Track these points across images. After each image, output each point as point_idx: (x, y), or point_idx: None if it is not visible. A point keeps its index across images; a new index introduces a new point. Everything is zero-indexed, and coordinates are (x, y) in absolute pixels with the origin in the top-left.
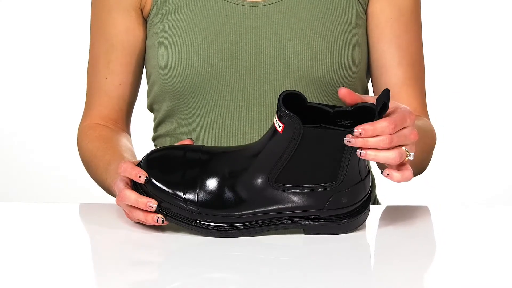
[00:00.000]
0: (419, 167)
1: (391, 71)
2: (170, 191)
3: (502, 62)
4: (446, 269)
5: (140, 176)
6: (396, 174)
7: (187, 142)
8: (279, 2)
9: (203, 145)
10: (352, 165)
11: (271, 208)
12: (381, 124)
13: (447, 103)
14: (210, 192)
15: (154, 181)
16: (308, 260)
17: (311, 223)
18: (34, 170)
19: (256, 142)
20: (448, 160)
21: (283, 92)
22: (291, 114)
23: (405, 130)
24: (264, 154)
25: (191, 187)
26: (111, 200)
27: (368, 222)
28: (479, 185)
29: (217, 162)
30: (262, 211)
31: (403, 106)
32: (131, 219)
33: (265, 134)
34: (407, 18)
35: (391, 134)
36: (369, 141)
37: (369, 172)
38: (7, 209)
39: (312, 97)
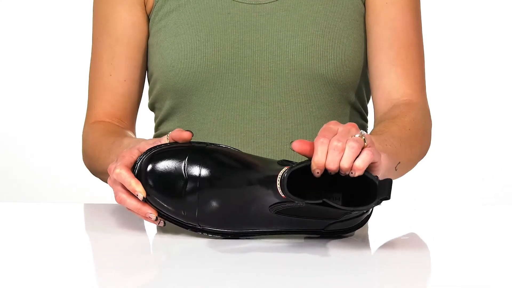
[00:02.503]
0: (407, 168)
1: (383, 51)
2: (169, 206)
3: (502, 62)
4: (446, 269)
5: (137, 194)
6: (358, 163)
7: (186, 135)
8: None
9: (206, 145)
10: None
11: (271, 228)
12: (321, 146)
13: (447, 103)
14: (209, 210)
15: (153, 196)
16: (308, 260)
17: (311, 235)
18: (34, 170)
19: (261, 166)
20: (448, 160)
21: (289, 170)
22: (293, 197)
23: (340, 130)
24: (266, 191)
25: (191, 203)
26: (111, 200)
27: (368, 222)
28: (478, 185)
29: (219, 179)
30: (262, 229)
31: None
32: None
33: (270, 172)
34: (404, 2)
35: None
36: (330, 160)
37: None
38: (7, 209)
39: (315, 94)
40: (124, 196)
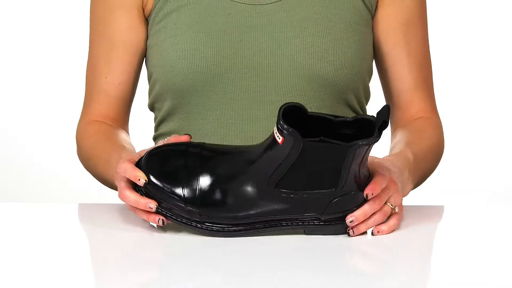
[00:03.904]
0: (420, 183)
1: (402, 75)
2: (169, 191)
3: (502, 62)
4: (447, 269)
5: (139, 179)
6: (384, 228)
7: (184, 138)
8: (282, 0)
9: (204, 143)
10: (353, 173)
11: (271, 210)
12: (369, 207)
13: (448, 103)
14: (210, 193)
15: (154, 180)
16: (308, 260)
17: (311, 224)
18: (34, 170)
19: (257, 145)
20: (448, 160)
21: (283, 105)
22: (291, 129)
23: (391, 199)
24: (263, 160)
25: (191, 188)
26: (111, 200)
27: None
28: (479, 184)
29: (217, 163)
30: (262, 212)
31: (382, 171)
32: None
33: (265, 141)
34: (416, 22)
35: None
36: (368, 223)
37: (369, 178)
38: (6, 209)
39: (314, 95)
40: (126, 192)
